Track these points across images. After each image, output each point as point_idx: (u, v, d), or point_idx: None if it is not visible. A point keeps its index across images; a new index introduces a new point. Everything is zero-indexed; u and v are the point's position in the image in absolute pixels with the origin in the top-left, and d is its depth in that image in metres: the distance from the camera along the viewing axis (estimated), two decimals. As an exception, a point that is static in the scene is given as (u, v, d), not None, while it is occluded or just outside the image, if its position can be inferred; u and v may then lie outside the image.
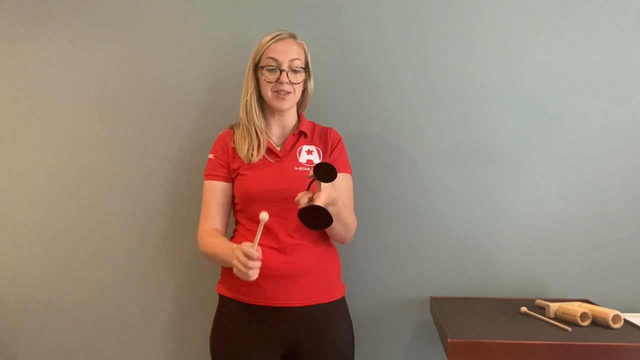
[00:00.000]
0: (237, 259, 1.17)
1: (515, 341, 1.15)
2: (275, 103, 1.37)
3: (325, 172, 1.13)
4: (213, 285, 1.49)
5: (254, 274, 1.16)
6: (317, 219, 1.10)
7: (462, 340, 1.16)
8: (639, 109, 1.55)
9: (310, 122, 1.48)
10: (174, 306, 1.69)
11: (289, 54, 1.34)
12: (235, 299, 1.35)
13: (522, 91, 1.58)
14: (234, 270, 1.18)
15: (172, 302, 1.69)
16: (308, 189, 1.16)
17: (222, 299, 1.40)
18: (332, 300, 1.37)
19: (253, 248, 1.15)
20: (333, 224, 1.28)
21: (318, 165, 1.14)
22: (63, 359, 1.71)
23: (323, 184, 1.13)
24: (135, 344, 1.70)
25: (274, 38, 1.35)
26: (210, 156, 1.42)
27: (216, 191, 1.39)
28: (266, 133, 1.41)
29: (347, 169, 1.43)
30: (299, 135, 1.43)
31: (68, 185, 1.70)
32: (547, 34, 1.57)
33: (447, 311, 1.41)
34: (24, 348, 1.72)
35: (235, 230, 1.44)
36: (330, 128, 1.47)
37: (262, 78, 1.36)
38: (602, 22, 1.55)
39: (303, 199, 1.13)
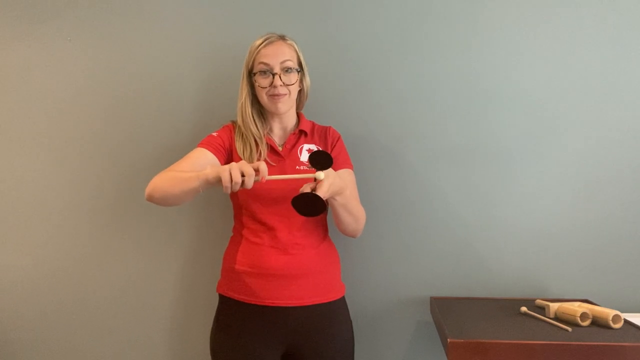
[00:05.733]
0: (237, 165, 1.10)
1: (515, 341, 1.15)
2: (273, 107, 1.37)
3: (320, 160, 1.13)
4: (212, 286, 1.50)
5: (249, 182, 1.08)
6: (309, 206, 1.08)
7: (462, 340, 1.16)
8: (639, 110, 1.55)
9: (310, 121, 1.48)
10: (174, 306, 1.69)
11: (279, 56, 1.34)
12: (235, 299, 1.35)
13: (522, 91, 1.58)
14: (225, 171, 1.08)
15: (172, 302, 1.69)
16: (315, 179, 1.16)
17: (222, 299, 1.40)
18: (332, 300, 1.37)
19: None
20: (343, 214, 1.29)
21: (312, 154, 1.14)
22: (62, 359, 1.71)
23: (325, 174, 1.13)
24: (135, 343, 1.70)
25: (263, 42, 1.35)
26: (214, 134, 1.40)
27: (205, 157, 1.33)
28: (268, 133, 1.42)
29: (348, 165, 1.44)
30: (300, 134, 1.43)
31: (67, 184, 1.70)
32: (544, 34, 1.57)
33: (447, 311, 1.41)
34: (23, 348, 1.72)
35: (234, 229, 1.45)
36: (330, 127, 1.48)
37: (256, 84, 1.36)
38: (602, 22, 1.55)
39: (305, 190, 1.12)
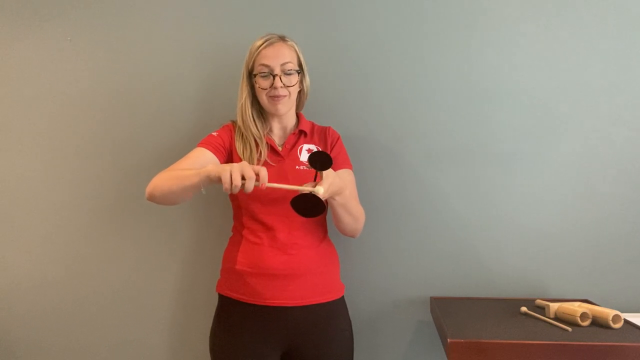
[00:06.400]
0: (238, 167, 1.08)
1: (515, 341, 1.15)
2: (273, 109, 1.37)
3: (319, 161, 1.13)
4: (212, 286, 1.50)
5: (249, 185, 1.07)
6: (309, 207, 1.09)
7: (462, 340, 1.16)
8: (639, 109, 1.55)
9: (309, 121, 1.48)
10: (174, 306, 1.69)
11: (279, 58, 1.33)
12: (235, 299, 1.35)
13: (522, 91, 1.58)
14: (226, 172, 1.08)
15: (171, 301, 1.69)
16: (315, 180, 1.16)
17: (222, 299, 1.40)
18: (331, 299, 1.38)
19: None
20: (342, 214, 1.29)
21: (312, 154, 1.13)
22: (61, 358, 1.71)
23: (325, 174, 1.13)
24: (134, 343, 1.70)
25: (263, 43, 1.35)
26: (214, 134, 1.40)
27: (205, 157, 1.33)
28: (267, 133, 1.42)
29: (348, 165, 1.44)
30: (299, 134, 1.43)
31: (67, 184, 1.70)
32: (543, 33, 1.57)
33: (447, 311, 1.41)
34: (24, 348, 1.72)
35: (234, 229, 1.44)
36: (329, 127, 1.48)
37: (256, 85, 1.36)
38: (601, 21, 1.55)
39: (305, 190, 1.12)
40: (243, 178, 1.08)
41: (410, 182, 1.61)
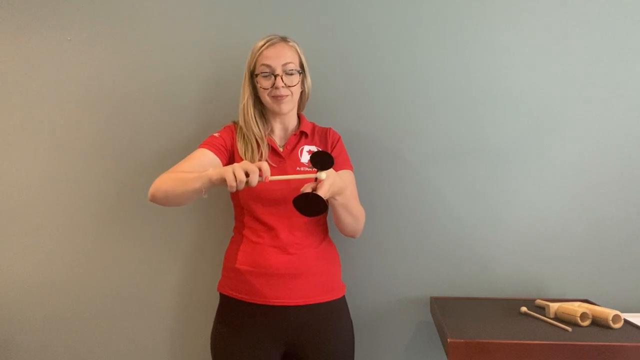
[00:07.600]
0: (239, 165, 1.10)
1: (515, 341, 1.15)
2: (275, 107, 1.37)
3: (321, 160, 1.14)
4: (213, 285, 1.50)
5: (253, 178, 1.08)
6: (310, 206, 1.09)
7: (462, 340, 1.16)
8: (638, 111, 1.55)
9: (310, 122, 1.48)
10: (176, 306, 1.69)
11: (281, 58, 1.34)
12: (236, 298, 1.36)
13: (521, 92, 1.58)
14: (229, 172, 1.09)
15: (173, 301, 1.69)
16: (316, 180, 1.16)
17: (223, 298, 1.41)
18: (332, 299, 1.38)
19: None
20: (343, 214, 1.30)
21: (314, 154, 1.14)
22: (64, 359, 1.72)
23: (325, 174, 1.13)
24: (135, 344, 1.70)
25: (265, 44, 1.35)
26: (216, 134, 1.41)
27: (207, 157, 1.33)
28: (269, 134, 1.42)
29: (348, 166, 1.44)
30: (300, 135, 1.43)
31: (69, 186, 1.70)
32: (542, 34, 1.57)
33: (447, 311, 1.41)
34: (24, 350, 1.72)
35: (235, 229, 1.45)
36: (330, 128, 1.48)
37: (258, 85, 1.37)
38: (600, 22, 1.55)
39: (307, 190, 1.12)
40: (246, 175, 1.09)
41: (410, 182, 1.62)
